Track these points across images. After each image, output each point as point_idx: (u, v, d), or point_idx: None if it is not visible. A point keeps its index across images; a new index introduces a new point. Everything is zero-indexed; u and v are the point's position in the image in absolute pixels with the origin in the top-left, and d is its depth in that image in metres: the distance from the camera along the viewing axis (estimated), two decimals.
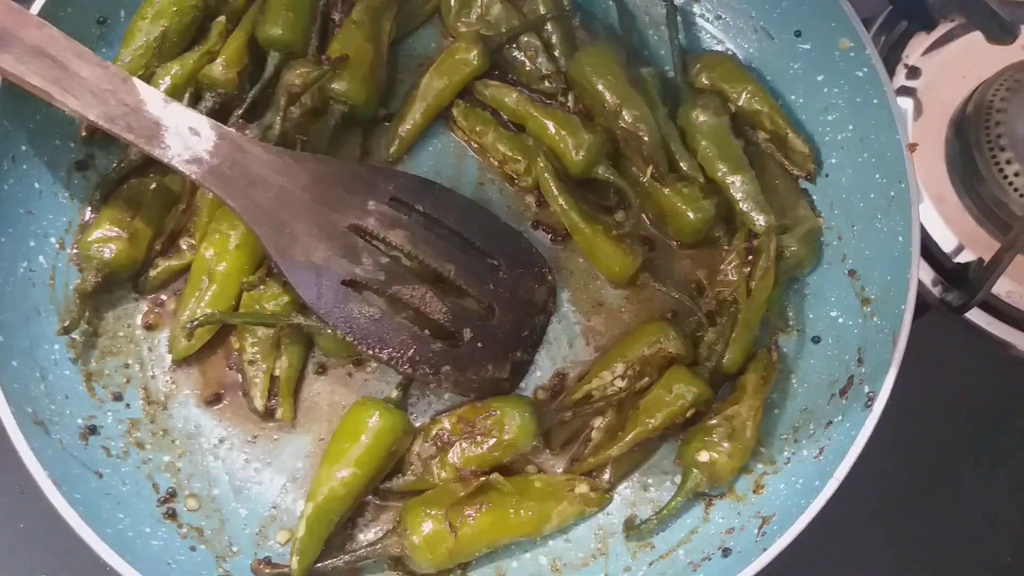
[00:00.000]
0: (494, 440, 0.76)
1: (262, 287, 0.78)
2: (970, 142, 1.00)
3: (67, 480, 0.66)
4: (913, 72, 1.06)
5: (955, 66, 1.06)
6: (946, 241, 1.00)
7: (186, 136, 0.74)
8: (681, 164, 0.84)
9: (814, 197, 0.85)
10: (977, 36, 0.99)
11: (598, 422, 0.79)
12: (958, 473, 0.92)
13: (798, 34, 0.85)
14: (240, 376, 0.79)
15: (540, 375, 0.82)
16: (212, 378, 0.80)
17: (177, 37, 0.82)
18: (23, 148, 0.76)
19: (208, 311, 0.77)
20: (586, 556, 0.76)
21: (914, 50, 1.06)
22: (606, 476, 0.78)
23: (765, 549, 0.66)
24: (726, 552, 0.70)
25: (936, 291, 0.98)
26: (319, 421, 0.79)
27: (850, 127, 0.82)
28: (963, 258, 1.00)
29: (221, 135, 0.75)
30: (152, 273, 0.81)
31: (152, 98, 0.73)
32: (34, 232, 0.77)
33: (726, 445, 0.74)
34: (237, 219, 0.77)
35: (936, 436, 0.91)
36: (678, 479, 0.77)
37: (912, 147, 0.75)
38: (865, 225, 0.79)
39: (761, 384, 0.76)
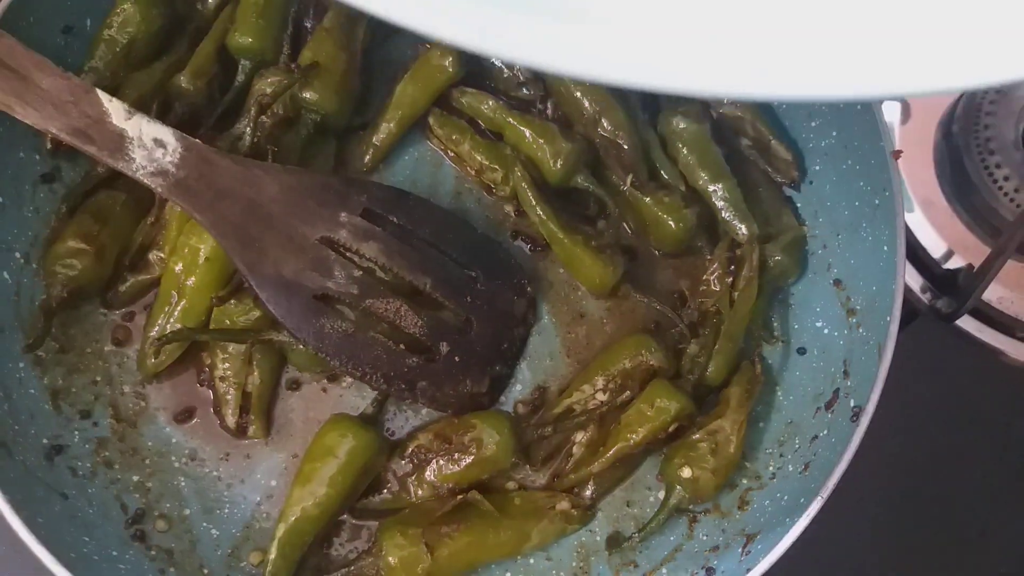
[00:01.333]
0: (472, 457, 0.74)
1: (232, 302, 0.76)
2: (959, 146, 0.98)
3: (30, 503, 0.64)
4: None
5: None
6: (935, 247, 0.99)
7: (151, 148, 0.72)
8: (662, 172, 0.82)
9: (798, 205, 0.83)
10: None
11: (579, 437, 0.77)
12: (950, 482, 0.91)
13: None
14: (211, 393, 0.77)
15: (520, 389, 0.80)
16: (183, 395, 0.78)
17: (145, 46, 0.80)
18: None
19: (177, 327, 0.75)
20: (567, 575, 0.74)
21: None
22: (588, 492, 0.76)
23: (749, 570, 0.64)
24: (709, 572, 0.69)
25: (925, 298, 0.96)
26: (293, 438, 0.77)
27: (833, 133, 0.80)
28: (953, 264, 0.99)
29: (187, 147, 0.73)
30: (121, 288, 0.79)
31: (116, 110, 0.71)
32: None
33: (710, 460, 0.72)
34: (206, 232, 0.75)
35: (926, 444, 0.89)
36: (662, 495, 0.76)
37: (896, 154, 0.74)
38: (850, 234, 0.78)
39: (745, 397, 0.74)
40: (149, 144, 0.72)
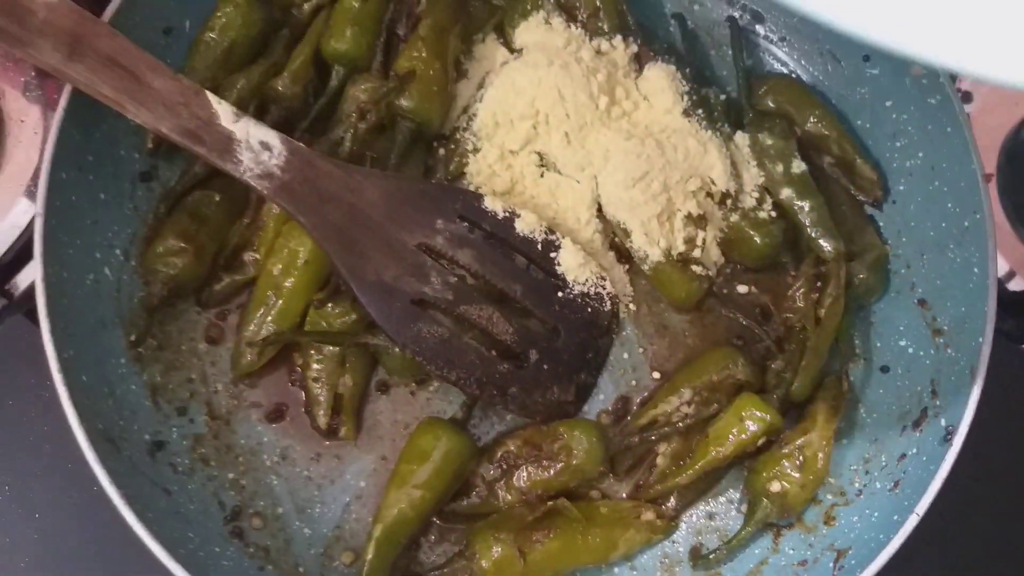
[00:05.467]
0: (561, 464, 0.75)
1: (329, 305, 0.77)
2: (1022, 168, 1.00)
3: (139, 499, 0.65)
4: (966, 97, 1.06)
5: (1007, 91, 1.06)
6: (999, 267, 1.00)
7: (258, 151, 0.73)
8: (746, 189, 0.83)
9: (881, 224, 0.84)
10: None
11: (663, 448, 0.78)
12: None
13: (866, 59, 0.84)
14: (303, 393, 0.78)
15: (603, 399, 0.81)
16: (275, 394, 0.79)
17: (244, 50, 0.81)
18: (89, 158, 0.75)
19: (275, 327, 0.77)
20: None
21: None
22: (671, 503, 0.77)
23: None
24: None
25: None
26: (382, 440, 0.78)
27: (920, 154, 0.81)
28: (1015, 285, 1.00)
29: (292, 150, 0.74)
30: (216, 287, 0.80)
31: (224, 112, 0.73)
32: (99, 243, 0.76)
33: (797, 475, 0.73)
34: (306, 235, 0.76)
35: (1000, 469, 0.90)
36: (743, 508, 0.77)
37: (988, 177, 0.75)
38: (936, 254, 0.79)
39: (832, 413, 0.75)
40: (256, 147, 0.73)
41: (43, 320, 0.67)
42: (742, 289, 0.84)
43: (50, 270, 0.69)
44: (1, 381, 0.91)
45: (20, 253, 0.93)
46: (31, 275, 0.94)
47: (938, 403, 0.73)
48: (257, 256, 0.80)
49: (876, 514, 0.71)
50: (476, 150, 0.83)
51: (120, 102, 0.70)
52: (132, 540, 0.64)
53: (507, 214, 0.79)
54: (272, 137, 0.74)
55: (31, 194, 0.93)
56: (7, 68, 0.93)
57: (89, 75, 0.70)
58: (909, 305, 0.80)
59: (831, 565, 0.70)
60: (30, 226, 0.92)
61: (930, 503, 0.67)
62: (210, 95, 0.72)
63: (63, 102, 0.72)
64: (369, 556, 0.70)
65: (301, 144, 0.75)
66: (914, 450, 0.72)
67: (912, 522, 0.66)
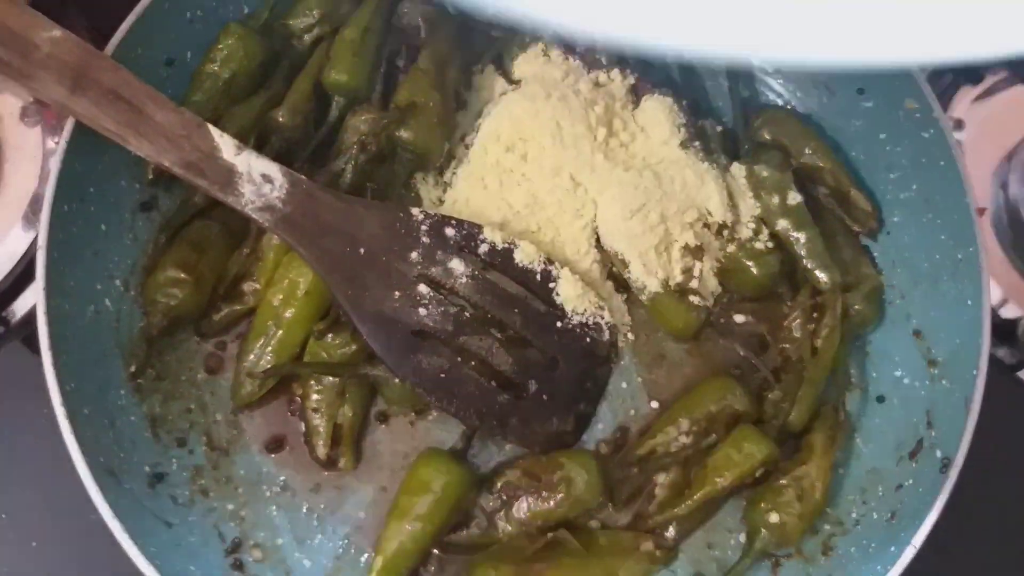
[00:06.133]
0: (561, 495, 0.75)
1: (329, 336, 0.77)
2: (1015, 195, 1.01)
3: (141, 532, 0.65)
4: (958, 124, 1.07)
5: (1000, 119, 1.07)
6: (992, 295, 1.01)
7: (259, 183, 0.73)
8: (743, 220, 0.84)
9: (875, 254, 0.85)
10: (1022, 89, 1.01)
11: (661, 478, 0.78)
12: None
13: (860, 91, 0.86)
14: (302, 423, 0.78)
15: (602, 428, 0.81)
16: (274, 424, 0.79)
17: (245, 80, 0.82)
18: (91, 190, 0.76)
19: (275, 357, 0.77)
20: None
21: (959, 102, 1.07)
22: (670, 533, 0.78)
23: None
24: None
25: None
26: (381, 470, 0.79)
27: (914, 186, 0.82)
28: (1007, 312, 1.01)
29: (293, 183, 0.74)
30: (215, 317, 0.80)
31: (226, 145, 0.73)
32: (100, 274, 0.76)
33: (796, 506, 0.74)
34: (306, 266, 0.77)
35: (994, 498, 0.90)
36: (742, 537, 0.77)
37: (981, 211, 0.76)
38: (930, 286, 0.80)
39: (829, 444, 0.76)
40: (257, 179, 0.73)
41: (45, 353, 0.67)
42: (739, 319, 0.84)
43: (52, 302, 0.69)
44: None
45: (18, 280, 0.93)
46: (28, 302, 0.94)
47: (934, 434, 0.74)
48: (257, 286, 0.80)
49: (873, 544, 0.72)
50: (474, 179, 0.83)
51: (123, 135, 0.71)
52: (130, 570, 0.64)
53: (506, 245, 0.79)
54: (273, 170, 0.74)
55: (28, 220, 0.93)
56: (4, 94, 0.93)
57: (92, 109, 0.70)
58: (904, 336, 0.81)
59: None
60: (27, 252, 0.92)
61: (927, 534, 0.67)
62: (212, 128, 0.73)
63: (65, 135, 0.73)
64: None
65: (302, 176, 0.75)
66: (910, 480, 0.73)
67: (909, 554, 0.66)
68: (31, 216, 0.93)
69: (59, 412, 0.66)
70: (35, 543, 0.86)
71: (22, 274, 0.92)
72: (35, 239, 0.91)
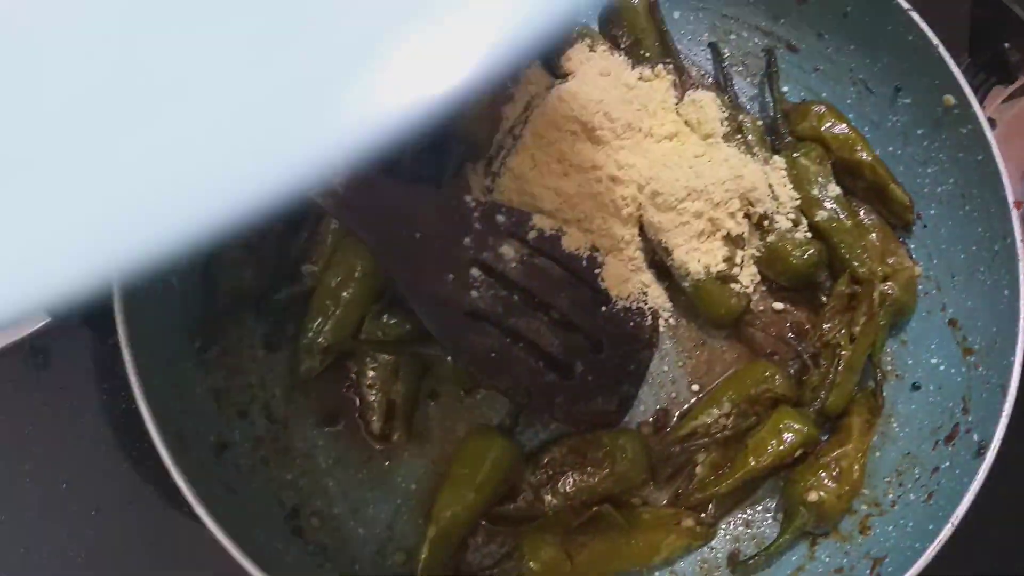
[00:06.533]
0: (606, 471, 0.78)
1: (385, 315, 0.80)
2: None
3: (209, 498, 0.68)
4: (990, 123, 1.09)
5: None
6: None
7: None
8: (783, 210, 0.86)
9: (911, 246, 0.87)
10: None
11: (702, 458, 0.81)
12: None
13: (898, 89, 0.88)
14: (357, 399, 0.82)
15: (643, 410, 0.84)
16: (329, 400, 0.82)
17: None
18: None
19: (333, 336, 0.80)
20: None
21: (991, 102, 1.09)
22: (710, 511, 0.80)
23: None
24: None
25: None
26: (431, 444, 0.82)
27: (951, 180, 0.85)
28: None
29: (354, 169, 0.78)
30: (275, 297, 0.83)
31: None
32: None
33: (834, 486, 0.76)
34: (364, 249, 0.80)
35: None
36: (779, 516, 0.80)
37: (1019, 204, 0.78)
38: (967, 277, 0.82)
39: (867, 427, 0.79)
40: None
41: (120, 327, 0.70)
42: (778, 306, 0.87)
43: (125, 279, 0.72)
44: (58, 380, 0.95)
45: None
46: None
47: (970, 419, 0.76)
48: (315, 268, 0.84)
49: (911, 524, 0.74)
50: (522, 169, 0.86)
51: None
52: (187, 536, 0.67)
53: (554, 232, 0.82)
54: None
55: None
56: None
57: None
58: (940, 325, 0.83)
59: (868, 572, 0.73)
60: None
61: (963, 513, 0.70)
62: None
63: None
64: (424, 555, 0.73)
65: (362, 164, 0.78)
66: (947, 463, 0.75)
67: (947, 531, 0.69)
68: None
69: (133, 382, 0.69)
70: (94, 512, 0.90)
71: None
72: None
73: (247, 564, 0.65)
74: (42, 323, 0.84)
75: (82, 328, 0.95)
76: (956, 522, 0.69)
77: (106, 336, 0.92)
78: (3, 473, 0.90)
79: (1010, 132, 1.09)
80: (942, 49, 0.82)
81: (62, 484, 0.91)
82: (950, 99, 0.83)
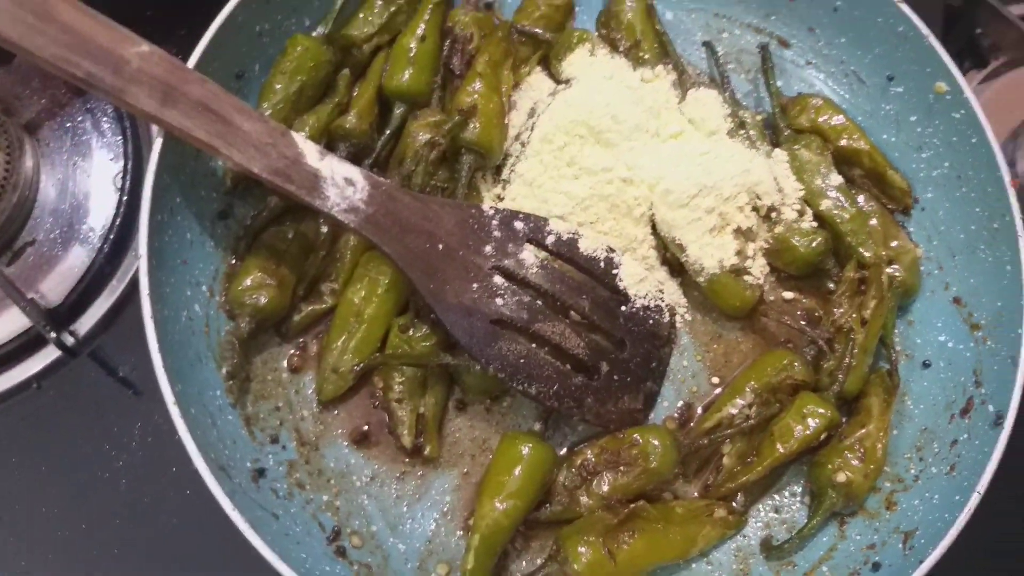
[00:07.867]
0: (639, 469, 0.79)
1: (411, 329, 0.81)
2: (1019, 173, 1.07)
3: (256, 523, 0.68)
4: None
5: (1004, 100, 1.14)
6: None
7: (342, 186, 0.77)
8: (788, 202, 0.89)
9: (911, 229, 0.90)
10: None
11: (728, 448, 0.83)
12: None
13: (890, 78, 0.91)
14: (386, 415, 0.82)
15: (667, 405, 0.86)
16: (357, 417, 0.82)
17: (312, 91, 0.86)
18: (178, 200, 0.79)
19: (358, 353, 0.80)
20: None
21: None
22: (740, 500, 0.82)
23: (921, 561, 0.70)
24: (876, 566, 0.75)
25: None
26: (463, 456, 0.82)
27: (946, 164, 0.88)
28: None
29: (374, 184, 0.78)
30: (296, 318, 0.83)
31: (309, 150, 0.77)
32: (189, 281, 0.79)
33: (860, 465, 0.78)
34: (385, 264, 0.80)
35: None
36: (806, 500, 0.82)
37: (1015, 183, 0.82)
38: (968, 255, 0.85)
39: (885, 406, 0.81)
40: (341, 183, 0.77)
41: (155, 355, 0.70)
42: (788, 295, 0.89)
43: (155, 308, 0.72)
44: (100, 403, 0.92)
45: (81, 297, 0.95)
46: (93, 317, 0.96)
47: (983, 391, 0.79)
48: (335, 286, 0.84)
49: (937, 496, 0.77)
50: (533, 175, 0.87)
51: (213, 145, 0.74)
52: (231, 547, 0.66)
53: (571, 235, 0.84)
54: (355, 173, 0.78)
55: (86, 240, 0.96)
56: None
57: (184, 120, 0.73)
58: (944, 303, 0.86)
59: (900, 546, 0.75)
60: (87, 271, 0.95)
61: (988, 482, 0.72)
62: (295, 135, 0.76)
63: (157, 149, 0.76)
64: (469, 566, 0.74)
65: (382, 179, 0.79)
66: (965, 436, 0.78)
67: (975, 500, 0.72)
68: (89, 235, 0.96)
69: (173, 412, 0.69)
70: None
71: (84, 292, 0.94)
72: (95, 254, 0.94)
73: None
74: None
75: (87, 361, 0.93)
76: (983, 491, 0.72)
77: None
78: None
79: (985, 114, 1.13)
80: (933, 39, 0.85)
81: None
82: (942, 86, 0.86)
